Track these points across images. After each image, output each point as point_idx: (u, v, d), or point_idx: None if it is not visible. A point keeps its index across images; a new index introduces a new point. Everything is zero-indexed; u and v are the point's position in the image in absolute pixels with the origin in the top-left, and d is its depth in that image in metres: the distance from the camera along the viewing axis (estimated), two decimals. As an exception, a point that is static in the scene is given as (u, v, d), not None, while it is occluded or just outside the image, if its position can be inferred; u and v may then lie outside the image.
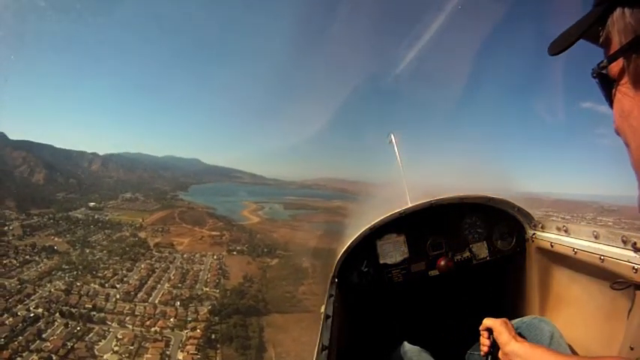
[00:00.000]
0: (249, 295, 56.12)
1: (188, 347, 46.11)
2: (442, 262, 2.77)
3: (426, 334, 2.50)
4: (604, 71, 0.75)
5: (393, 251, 2.81)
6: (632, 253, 1.75)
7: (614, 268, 1.84)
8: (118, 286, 55.06)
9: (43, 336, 44.24)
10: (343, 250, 2.69)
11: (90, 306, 49.88)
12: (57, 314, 47.68)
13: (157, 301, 53.17)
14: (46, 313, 47.40)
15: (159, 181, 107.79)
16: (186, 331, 48.62)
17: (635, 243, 1.73)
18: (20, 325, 44.41)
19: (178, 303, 53.06)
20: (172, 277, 59.07)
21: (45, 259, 57.85)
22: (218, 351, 47.30)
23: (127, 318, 49.25)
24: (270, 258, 67.46)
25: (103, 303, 50.97)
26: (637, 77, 0.69)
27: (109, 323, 48.37)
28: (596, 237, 2.00)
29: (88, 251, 62.70)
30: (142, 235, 71.84)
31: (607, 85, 0.76)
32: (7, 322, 44.23)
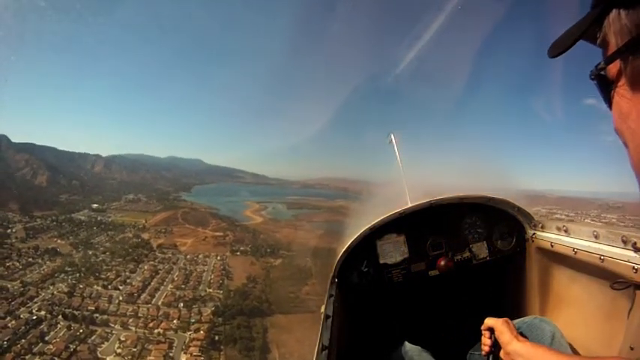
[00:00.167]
0: (253, 296, 55.93)
1: (191, 349, 45.86)
2: (442, 262, 2.76)
3: (426, 334, 2.48)
4: (602, 72, 0.76)
5: (393, 251, 2.81)
6: (632, 253, 1.75)
7: (615, 268, 1.84)
8: (120, 287, 54.89)
9: (46, 338, 44.19)
10: (343, 250, 2.68)
11: (93, 308, 49.82)
12: (59, 316, 47.62)
13: (160, 303, 52.96)
14: (48, 315, 47.36)
15: (161, 182, 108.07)
16: (189, 333, 48.36)
17: (635, 243, 1.73)
18: (23, 327, 44.38)
19: (181, 304, 52.86)
20: (175, 279, 58.94)
21: (48, 262, 57.98)
22: (222, 352, 47.04)
23: (130, 320, 49.12)
24: (274, 258, 67.36)
25: (106, 305, 50.89)
26: (634, 79, 0.69)
27: (112, 325, 48.21)
28: (596, 237, 2.00)
29: (90, 253, 62.79)
30: (145, 236, 71.89)
31: (605, 87, 0.76)
32: (9, 324, 44.24)
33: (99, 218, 75.50)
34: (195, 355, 45.18)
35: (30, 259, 57.13)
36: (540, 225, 2.59)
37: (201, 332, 48.25)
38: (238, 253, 68.18)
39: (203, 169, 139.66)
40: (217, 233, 75.14)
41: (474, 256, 2.83)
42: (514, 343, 1.59)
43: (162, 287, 56.67)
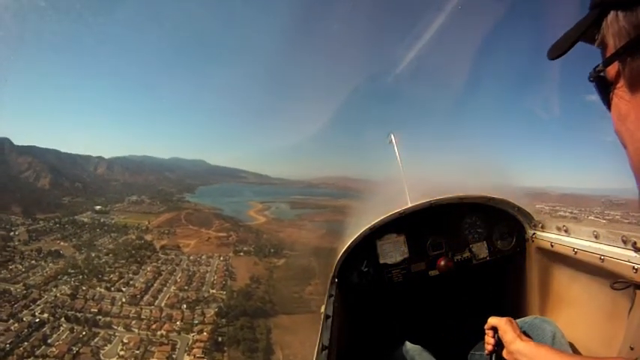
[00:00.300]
0: (256, 297, 55.66)
1: (195, 350, 45.64)
2: (442, 262, 2.76)
3: (426, 334, 2.47)
4: (601, 74, 0.75)
5: (393, 251, 2.81)
6: (632, 253, 1.75)
7: (615, 268, 1.84)
8: (123, 289, 54.78)
9: (49, 341, 44.13)
10: (343, 250, 2.69)
11: (95, 310, 49.69)
12: (62, 319, 47.58)
13: (163, 304, 52.77)
14: (51, 318, 47.32)
15: (165, 183, 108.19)
16: (192, 334, 48.15)
17: (635, 243, 1.74)
18: (26, 330, 44.36)
19: (185, 306, 52.63)
20: (179, 280, 58.73)
21: (50, 264, 58.01)
22: (225, 354, 46.78)
23: (133, 322, 48.95)
24: (277, 258, 67.05)
25: (109, 307, 50.73)
26: (632, 80, 0.69)
27: (115, 327, 48.04)
28: (596, 237, 2.00)
29: (93, 255, 62.75)
30: (148, 237, 71.80)
31: (604, 89, 0.76)
32: (12, 327, 44.22)
33: (102, 220, 75.55)
34: (198, 357, 44.99)
35: (33, 262, 57.22)
36: (540, 225, 2.59)
37: (205, 334, 48.05)
38: (242, 254, 67.95)
39: (206, 169, 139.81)
40: (221, 234, 74.99)
41: (474, 256, 2.83)
42: (517, 342, 1.62)
43: (165, 289, 56.53)
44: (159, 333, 47.35)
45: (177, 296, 54.52)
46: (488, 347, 1.80)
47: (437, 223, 2.83)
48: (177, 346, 46.17)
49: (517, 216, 2.75)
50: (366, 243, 2.76)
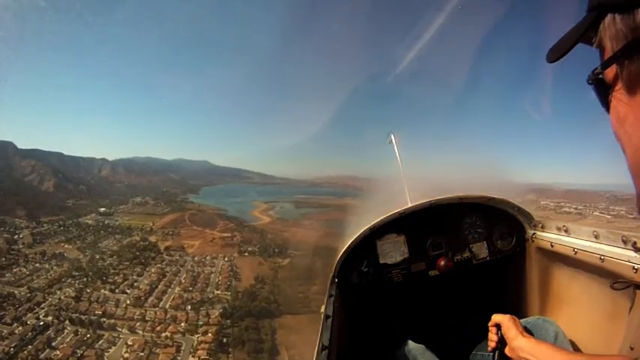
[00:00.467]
0: (261, 297, 55.35)
1: (199, 352, 45.34)
2: (442, 262, 2.74)
3: (426, 334, 2.46)
4: (600, 77, 0.75)
5: (393, 251, 2.80)
6: (632, 253, 1.76)
7: (615, 268, 1.84)
8: (128, 291, 54.69)
9: (53, 344, 44.07)
10: (343, 250, 2.66)
11: (100, 312, 49.64)
12: (67, 322, 47.55)
13: (167, 306, 52.61)
14: (55, 320, 47.30)
15: (169, 184, 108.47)
16: (197, 336, 47.86)
17: (635, 243, 1.74)
18: (30, 333, 44.34)
19: (189, 307, 52.44)
20: (183, 281, 58.57)
21: (55, 267, 58.13)
22: (230, 355, 46.48)
23: (138, 324, 48.76)
24: (282, 258, 66.77)
25: (113, 309, 50.67)
26: (630, 83, 0.68)
27: (119, 329, 47.91)
28: (596, 237, 2.00)
29: (98, 257, 62.75)
30: (153, 238, 71.86)
31: (603, 91, 0.76)
32: (16, 331, 44.25)
33: (106, 222, 75.76)
34: (203, 359, 44.66)
35: (37, 265, 57.42)
36: (540, 225, 2.59)
37: (209, 335, 47.76)
38: (246, 254, 67.80)
39: (210, 170, 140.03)
40: (225, 234, 74.99)
41: (474, 256, 2.82)
42: (519, 338, 1.65)
43: (170, 290, 56.42)
44: (163, 335, 47.09)
45: (181, 297, 54.35)
46: (492, 344, 1.82)
47: (437, 223, 2.81)
48: (182, 348, 45.91)
49: (517, 216, 2.74)
50: (366, 243, 2.73)
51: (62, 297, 51.72)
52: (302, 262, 62.83)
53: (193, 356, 44.91)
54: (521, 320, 1.99)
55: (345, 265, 2.72)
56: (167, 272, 60.43)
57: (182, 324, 49.13)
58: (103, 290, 54.53)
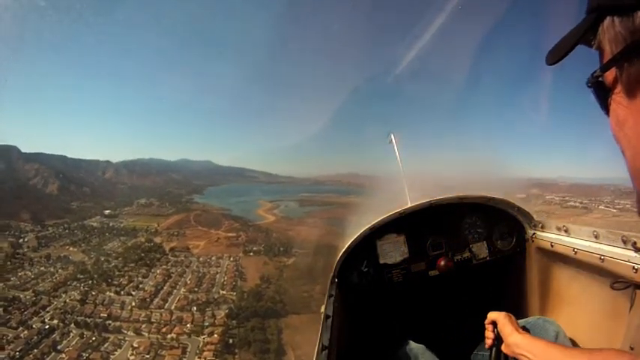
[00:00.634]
0: (267, 297, 54.97)
1: (205, 353, 45.11)
2: (442, 262, 2.76)
3: (426, 334, 2.47)
4: (599, 79, 0.74)
5: (393, 251, 2.81)
6: (632, 253, 1.77)
7: (615, 268, 1.86)
8: (133, 293, 54.58)
9: (58, 347, 44.01)
10: (343, 250, 2.68)
11: (105, 315, 49.48)
12: (72, 325, 47.47)
13: (173, 307, 52.37)
14: (61, 324, 47.25)
15: (173, 185, 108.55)
16: (203, 337, 47.58)
17: (635, 243, 1.75)
18: (35, 337, 44.29)
19: (195, 308, 52.20)
20: (188, 282, 58.32)
21: (60, 270, 58.13)
22: (236, 356, 46.17)
23: (143, 326, 48.56)
24: (287, 257, 66.32)
25: (119, 311, 50.52)
26: (630, 86, 0.67)
27: (125, 332, 47.77)
28: (596, 237, 2.01)
29: (103, 259, 62.67)
30: (158, 240, 71.80)
31: (602, 94, 0.75)
32: (22, 334, 44.21)
33: (111, 224, 75.85)
34: (209, 360, 44.21)
35: (42, 268, 57.47)
36: (540, 225, 2.59)
37: (215, 336, 47.47)
38: (251, 254, 67.49)
39: (214, 170, 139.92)
40: (230, 234, 74.76)
41: (474, 256, 2.82)
42: (515, 335, 1.66)
43: (175, 291, 56.22)
44: (169, 336, 46.90)
45: (187, 298, 54.07)
46: (488, 341, 1.82)
47: (437, 223, 2.82)
48: (188, 349, 45.64)
49: (517, 216, 2.75)
50: (366, 243, 2.75)
51: (67, 300, 51.65)
52: (307, 261, 62.54)
53: (199, 357, 44.67)
54: (522, 320, 2.01)
55: (345, 265, 2.73)
56: (172, 273, 60.23)
57: (188, 325, 48.84)
58: (108, 292, 54.41)
